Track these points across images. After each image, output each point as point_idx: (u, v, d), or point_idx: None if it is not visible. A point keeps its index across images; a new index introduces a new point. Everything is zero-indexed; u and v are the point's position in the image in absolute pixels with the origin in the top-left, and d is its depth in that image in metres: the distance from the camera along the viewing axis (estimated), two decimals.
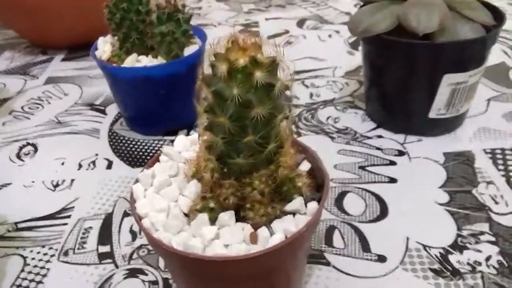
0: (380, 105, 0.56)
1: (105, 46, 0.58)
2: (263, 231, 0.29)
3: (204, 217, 0.29)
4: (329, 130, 0.57)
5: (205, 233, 0.28)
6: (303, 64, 0.73)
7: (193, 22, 0.89)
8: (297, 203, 0.30)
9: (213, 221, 0.30)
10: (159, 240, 0.29)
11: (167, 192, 0.32)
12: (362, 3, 0.56)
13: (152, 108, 0.57)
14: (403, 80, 0.51)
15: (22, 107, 0.68)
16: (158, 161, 0.36)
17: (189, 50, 0.55)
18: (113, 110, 0.65)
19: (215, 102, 0.25)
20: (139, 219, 0.31)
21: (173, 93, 0.56)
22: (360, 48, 0.76)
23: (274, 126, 0.26)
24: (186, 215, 0.31)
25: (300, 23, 0.87)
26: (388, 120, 0.56)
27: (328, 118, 0.59)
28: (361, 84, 0.66)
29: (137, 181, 0.34)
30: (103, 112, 0.65)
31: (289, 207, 0.30)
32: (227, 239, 0.28)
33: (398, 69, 0.51)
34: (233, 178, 0.29)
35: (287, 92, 0.26)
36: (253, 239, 0.29)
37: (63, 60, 0.81)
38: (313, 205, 0.31)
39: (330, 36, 0.81)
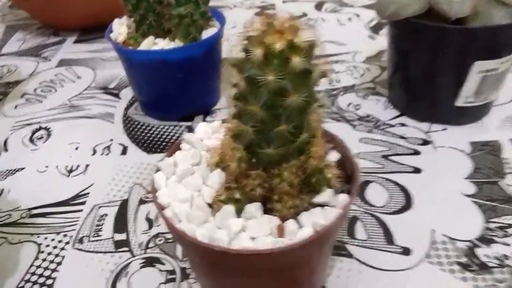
0: (404, 91, 0.54)
1: (120, 28, 0.56)
2: (290, 224, 0.28)
3: (230, 208, 0.28)
4: (350, 118, 0.55)
5: (232, 225, 0.27)
6: (322, 48, 0.70)
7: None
8: (326, 195, 0.29)
9: (238, 212, 0.28)
10: (182, 231, 0.27)
11: (189, 181, 0.31)
12: None
13: (168, 92, 0.55)
14: (430, 65, 0.49)
15: (34, 90, 0.67)
16: (179, 148, 0.35)
17: (207, 33, 0.53)
18: (127, 94, 0.64)
19: (247, 89, 0.23)
20: (161, 209, 0.30)
21: (189, 77, 0.54)
22: (383, 31, 0.73)
23: (308, 115, 0.24)
24: (209, 205, 0.30)
25: (319, 5, 0.84)
26: (412, 107, 0.54)
27: (349, 105, 0.58)
28: (383, 70, 0.64)
29: (158, 169, 0.32)
30: (117, 96, 0.64)
31: (318, 199, 0.29)
32: (253, 231, 0.27)
33: (426, 54, 0.49)
34: (261, 169, 0.27)
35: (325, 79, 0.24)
36: (280, 232, 0.28)
37: (76, 42, 0.79)
38: (342, 197, 0.29)
39: (349, 19, 0.78)
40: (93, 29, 0.81)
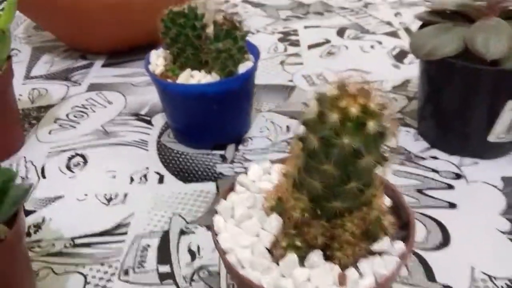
0: (435, 124, 0.55)
1: (157, 60, 0.58)
2: (351, 273, 0.29)
3: (293, 257, 0.29)
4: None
5: (297, 275, 0.28)
6: (347, 76, 0.72)
7: None
8: (385, 243, 0.30)
9: (300, 260, 0.29)
10: (249, 279, 0.28)
11: (248, 226, 0.32)
12: (421, 22, 0.55)
13: (202, 122, 0.57)
14: (463, 101, 0.51)
15: (67, 115, 0.68)
16: (233, 190, 0.36)
17: (243, 67, 0.55)
18: (159, 120, 0.65)
19: (320, 147, 0.25)
20: (223, 253, 0.31)
21: (224, 108, 0.56)
22: (407, 60, 0.74)
23: (376, 171, 0.26)
24: (268, 250, 0.31)
25: (340, 32, 0.86)
26: (443, 140, 0.55)
27: None
28: (410, 100, 0.65)
29: (216, 212, 0.33)
30: (149, 122, 0.65)
31: (376, 247, 0.30)
32: (317, 281, 0.28)
33: (460, 91, 0.50)
34: (324, 219, 0.28)
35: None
36: (342, 280, 0.29)
37: (104, 65, 0.81)
38: (399, 245, 0.30)
39: (372, 47, 0.80)
40: (120, 53, 0.83)
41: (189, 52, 0.55)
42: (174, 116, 0.59)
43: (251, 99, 0.60)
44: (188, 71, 0.55)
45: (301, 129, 0.27)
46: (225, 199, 0.35)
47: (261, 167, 0.37)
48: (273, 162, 0.38)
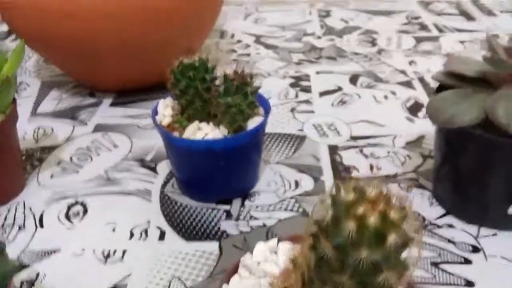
0: (451, 188, 0.53)
1: (165, 109, 0.56)
2: None
3: None
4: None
5: None
6: (360, 128, 0.70)
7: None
8: None
9: None
10: None
11: None
12: (437, 83, 0.53)
13: (208, 177, 0.55)
14: (482, 170, 0.48)
15: (70, 158, 0.66)
16: (236, 271, 0.33)
17: (252, 122, 0.53)
18: (164, 168, 0.63)
19: (335, 257, 0.22)
20: None
21: (231, 164, 0.54)
22: (421, 113, 0.72)
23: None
24: None
25: (353, 79, 0.84)
26: (460, 207, 0.53)
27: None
28: (425, 159, 0.63)
29: None
30: (154, 170, 0.63)
31: None
32: None
33: (478, 159, 0.48)
34: None
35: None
36: None
37: (112, 105, 0.80)
38: None
39: (386, 97, 0.78)
40: (129, 92, 0.82)
41: (198, 104, 0.54)
42: (179, 168, 0.57)
43: (260, 154, 0.58)
44: (196, 123, 0.54)
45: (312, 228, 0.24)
46: (227, 283, 0.32)
47: (267, 246, 0.35)
48: (280, 239, 0.35)
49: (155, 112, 0.56)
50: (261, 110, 0.56)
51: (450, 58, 0.53)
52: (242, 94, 0.51)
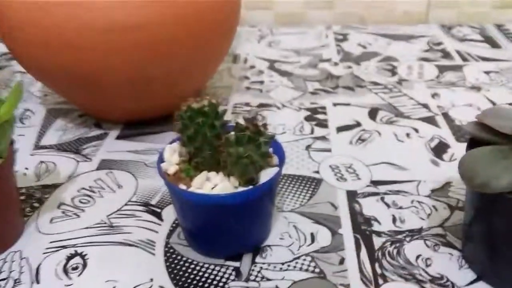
0: (484, 251, 0.48)
1: (172, 156, 0.52)
2: None
3: None
4: (421, 277, 0.49)
5: None
6: (380, 171, 0.65)
7: (255, 99, 0.84)
8: None
9: None
10: None
11: None
12: (467, 132, 0.48)
13: (217, 232, 0.51)
14: None
15: (72, 199, 0.63)
16: None
17: (265, 174, 0.49)
18: (170, 214, 0.59)
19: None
20: None
21: (242, 219, 0.50)
22: (447, 156, 0.67)
23: None
24: None
25: (372, 113, 0.80)
26: (494, 273, 0.48)
27: (417, 257, 0.51)
28: (452, 210, 0.58)
29: None
30: (159, 216, 0.59)
31: None
32: None
33: None
34: None
35: None
36: None
37: (118, 137, 0.76)
38: None
39: (408, 135, 0.73)
40: (136, 124, 0.78)
41: (206, 152, 0.50)
42: (185, 220, 0.52)
43: (273, 206, 0.54)
44: (204, 174, 0.49)
45: None
46: None
47: None
48: None
49: (160, 160, 0.52)
50: (275, 159, 0.52)
51: (486, 112, 0.49)
52: (255, 145, 0.47)
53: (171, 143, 0.54)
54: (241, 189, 0.48)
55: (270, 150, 0.52)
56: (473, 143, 0.48)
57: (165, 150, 0.53)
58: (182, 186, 0.49)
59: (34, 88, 0.93)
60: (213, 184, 0.49)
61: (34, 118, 0.83)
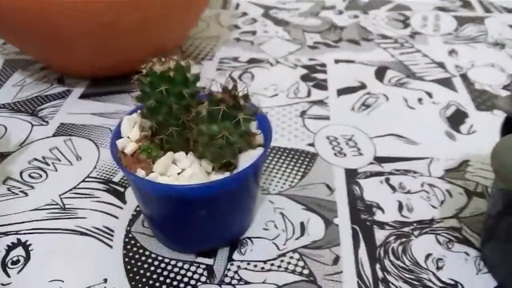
0: (508, 253, 0.39)
1: (130, 130, 0.42)
2: None
3: None
4: (431, 284, 0.40)
5: None
6: (386, 145, 0.55)
7: (245, 54, 0.73)
8: None
9: None
10: None
11: None
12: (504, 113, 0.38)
13: (185, 226, 0.41)
14: None
15: (21, 173, 0.53)
16: None
17: (247, 157, 0.39)
18: (133, 196, 0.50)
19: None
20: None
21: (216, 213, 0.40)
22: (464, 127, 0.57)
23: None
24: None
25: (380, 73, 0.68)
26: None
27: (427, 257, 0.43)
28: (469, 197, 0.48)
29: None
30: (121, 197, 0.50)
31: None
32: None
33: None
34: None
35: None
36: None
37: (82, 96, 0.65)
38: None
39: (420, 101, 0.63)
40: (104, 80, 0.67)
41: (172, 128, 0.39)
42: (146, 209, 0.43)
43: (256, 192, 0.44)
44: (169, 155, 0.39)
45: None
46: None
47: None
48: None
49: (116, 135, 0.42)
50: (260, 137, 0.41)
51: None
52: (233, 123, 0.37)
53: (131, 113, 0.44)
54: (215, 176, 0.38)
55: (254, 126, 0.42)
56: (509, 124, 0.37)
57: (122, 122, 0.43)
58: (140, 171, 0.39)
59: None
60: (180, 168, 0.39)
61: None
